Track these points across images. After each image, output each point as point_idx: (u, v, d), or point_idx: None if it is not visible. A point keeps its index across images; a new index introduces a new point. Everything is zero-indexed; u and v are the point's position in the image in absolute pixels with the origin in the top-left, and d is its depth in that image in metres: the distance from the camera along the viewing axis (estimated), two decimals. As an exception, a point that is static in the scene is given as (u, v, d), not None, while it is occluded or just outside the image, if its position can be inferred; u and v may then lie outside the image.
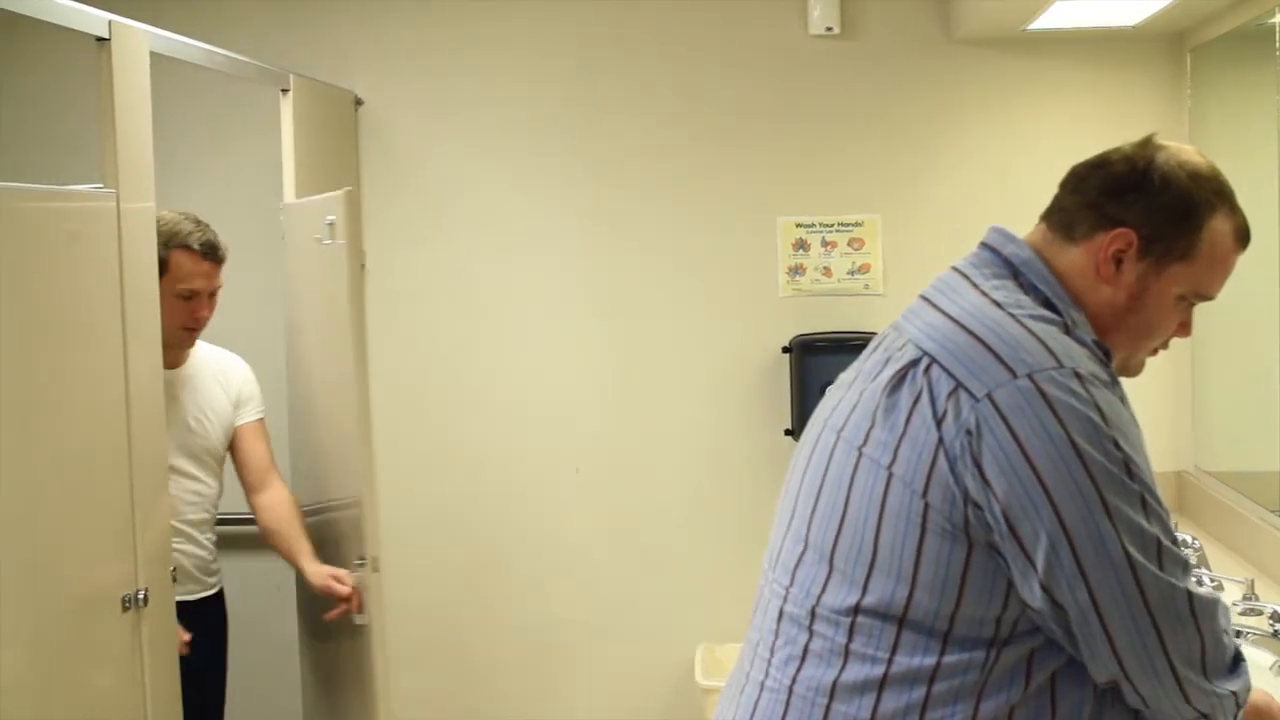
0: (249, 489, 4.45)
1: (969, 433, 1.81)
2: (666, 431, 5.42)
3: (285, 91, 4.70)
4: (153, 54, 3.64)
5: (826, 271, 5.46)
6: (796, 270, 5.48)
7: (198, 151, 5.49)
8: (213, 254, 4.16)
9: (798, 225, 5.47)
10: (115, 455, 3.47)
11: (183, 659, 3.72)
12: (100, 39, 3.41)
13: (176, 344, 4.11)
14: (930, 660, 1.86)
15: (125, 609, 3.46)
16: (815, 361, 5.28)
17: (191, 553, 4.28)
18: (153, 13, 3.85)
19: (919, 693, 1.87)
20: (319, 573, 4.25)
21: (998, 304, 1.94)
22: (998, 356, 1.84)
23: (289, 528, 4.37)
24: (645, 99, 5.51)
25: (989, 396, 1.82)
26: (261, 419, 4.49)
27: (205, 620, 4.33)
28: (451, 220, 5.52)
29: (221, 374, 4.39)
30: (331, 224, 4.20)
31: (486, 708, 5.62)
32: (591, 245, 5.51)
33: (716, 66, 5.48)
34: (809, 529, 2.01)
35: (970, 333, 1.89)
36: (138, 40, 3.56)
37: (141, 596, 3.51)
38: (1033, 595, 1.81)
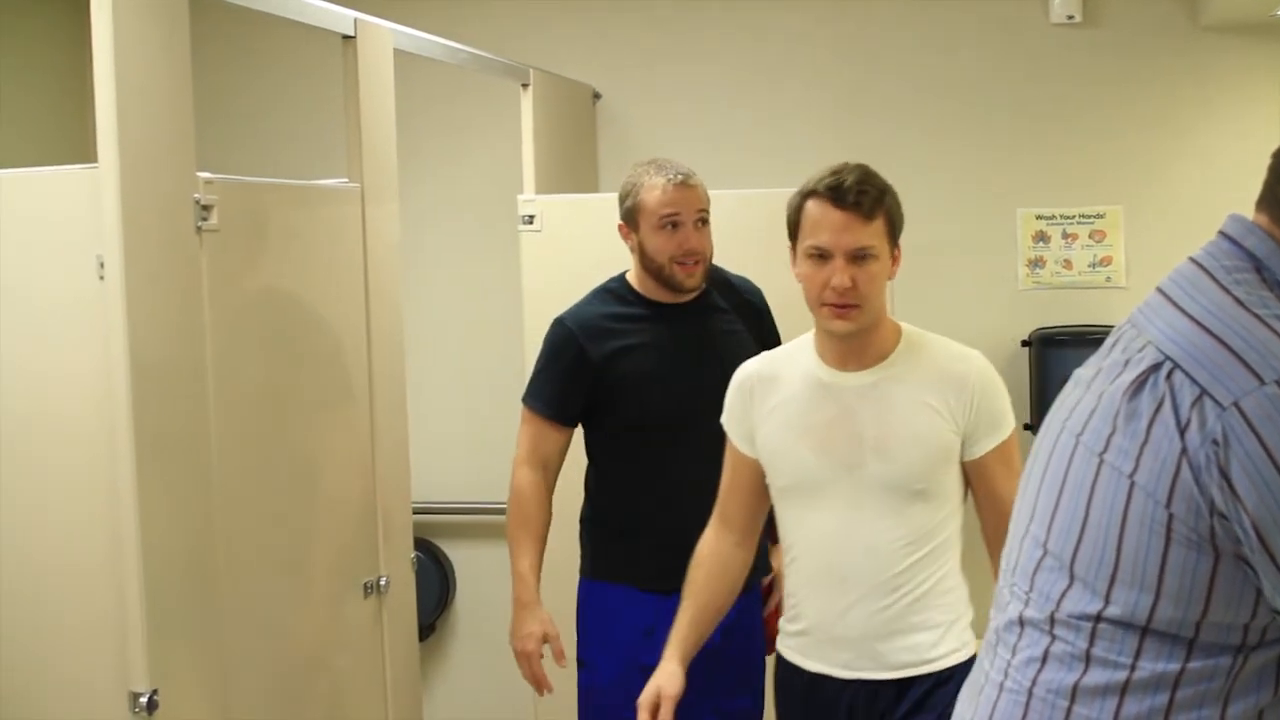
0: None
1: (1215, 443, 1.72)
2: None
3: (525, 86, 4.76)
4: (395, 51, 3.71)
5: (1067, 264, 5.36)
6: (1036, 263, 5.39)
7: (438, 146, 5.59)
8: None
9: (1038, 217, 5.38)
10: (359, 445, 3.55)
11: None
12: (347, 37, 3.49)
13: None
14: (1175, 666, 1.81)
15: (366, 595, 3.54)
16: (1055, 355, 5.18)
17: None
18: (395, 10, 3.92)
19: (1163, 698, 1.81)
20: None
21: (1240, 302, 1.83)
22: (1244, 361, 1.75)
23: None
24: (884, 89, 5.47)
25: (1236, 405, 1.72)
26: None
27: None
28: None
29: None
30: None
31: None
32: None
33: (956, 56, 5.41)
34: (1048, 535, 1.96)
35: (1214, 335, 1.80)
36: (383, 38, 3.63)
37: (383, 583, 3.58)
38: None
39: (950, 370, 3.16)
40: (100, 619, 2.80)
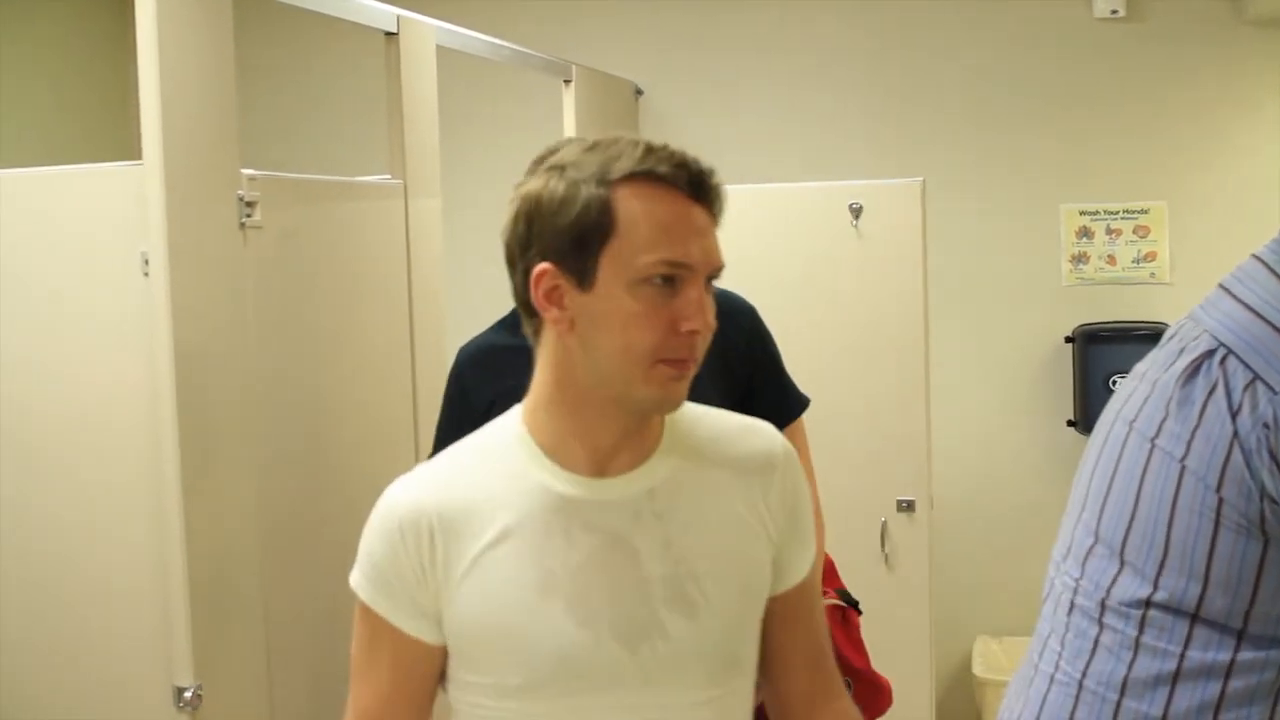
0: None
1: (1267, 426, 1.72)
2: (946, 421, 5.34)
3: (567, 82, 4.76)
4: (437, 47, 3.71)
5: (1110, 260, 5.34)
6: (1080, 259, 5.37)
7: (479, 142, 5.59)
8: None
9: (1081, 213, 5.35)
10: (402, 438, 3.55)
11: None
12: (389, 34, 3.50)
13: None
14: (1225, 656, 1.80)
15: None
16: (1099, 351, 5.17)
17: None
18: (437, 6, 3.92)
19: (1213, 691, 1.80)
20: None
21: None
22: None
23: None
24: (927, 84, 5.46)
25: None
26: None
27: None
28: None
29: None
30: (857, 208, 4.47)
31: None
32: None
33: (998, 51, 5.39)
34: (1099, 521, 1.95)
35: (1269, 323, 1.80)
36: (425, 35, 3.63)
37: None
38: None
39: (748, 451, 1.96)
40: (145, 614, 2.81)
